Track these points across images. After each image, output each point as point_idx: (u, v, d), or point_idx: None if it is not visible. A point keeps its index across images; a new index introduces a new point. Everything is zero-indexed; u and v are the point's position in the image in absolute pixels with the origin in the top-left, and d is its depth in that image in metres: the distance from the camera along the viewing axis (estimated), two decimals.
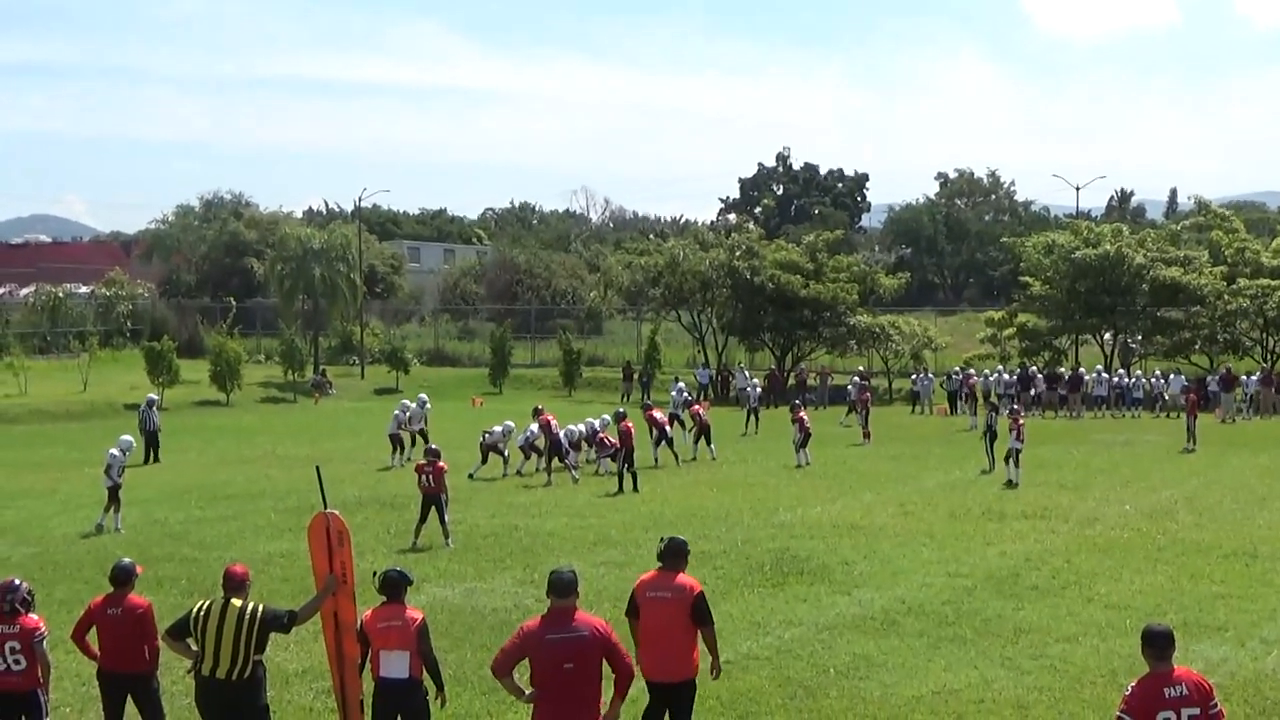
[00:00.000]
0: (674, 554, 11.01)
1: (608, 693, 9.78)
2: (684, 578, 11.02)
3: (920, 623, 16.91)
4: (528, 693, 9.73)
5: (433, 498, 23.42)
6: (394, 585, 10.90)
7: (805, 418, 35.38)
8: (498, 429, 33.84)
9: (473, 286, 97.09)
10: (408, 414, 36.90)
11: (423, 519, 23.46)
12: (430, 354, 78.00)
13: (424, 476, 23.57)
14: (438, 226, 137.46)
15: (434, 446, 25.18)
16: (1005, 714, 13.30)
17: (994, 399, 42.29)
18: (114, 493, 25.45)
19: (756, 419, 46.01)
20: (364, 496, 28.87)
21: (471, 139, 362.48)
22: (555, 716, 9.57)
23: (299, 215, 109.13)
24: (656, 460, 34.93)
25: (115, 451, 25.93)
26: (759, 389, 50.89)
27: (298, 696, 14.05)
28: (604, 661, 9.66)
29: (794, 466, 34.22)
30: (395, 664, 10.62)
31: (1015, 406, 39.08)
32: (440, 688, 10.82)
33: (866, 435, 41.16)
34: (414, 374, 67.91)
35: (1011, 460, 31.30)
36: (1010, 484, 30.39)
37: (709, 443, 36.51)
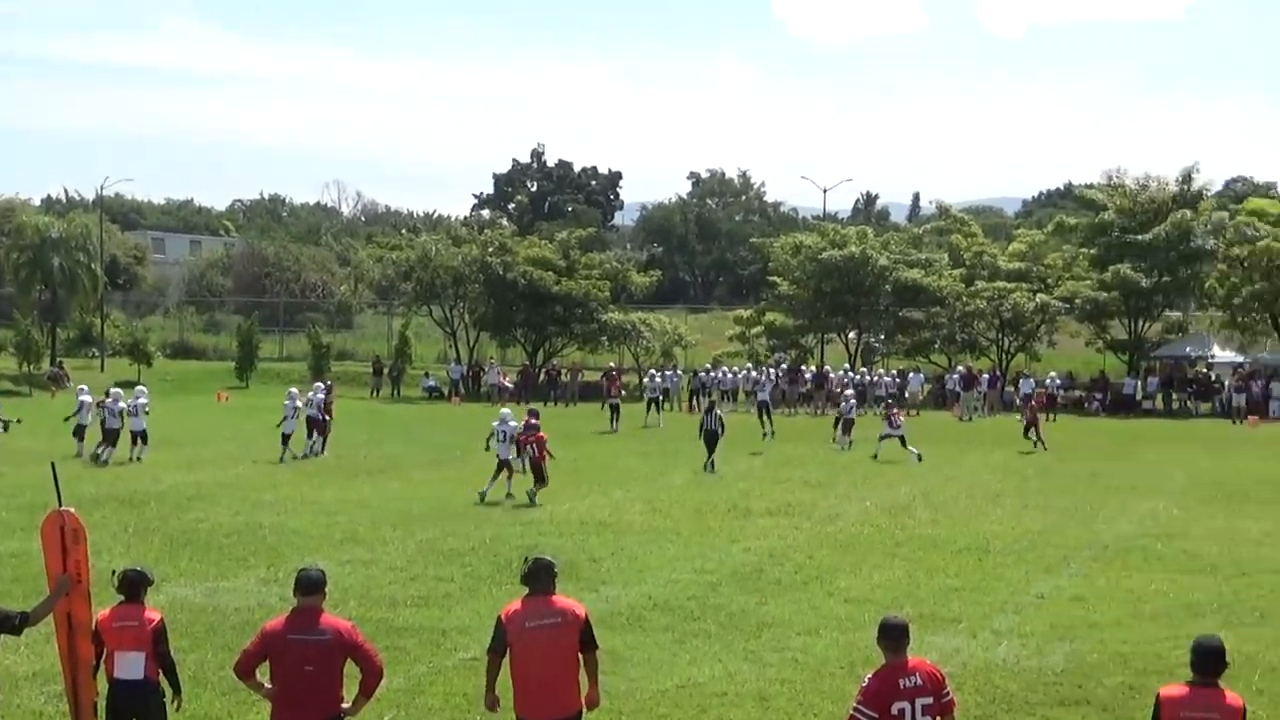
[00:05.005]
0: (543, 575, 9.97)
1: (350, 689, 9.65)
2: (564, 600, 10.06)
3: (666, 618, 17.09)
4: (267, 687, 9.56)
5: (536, 466, 27.35)
6: (132, 585, 10.59)
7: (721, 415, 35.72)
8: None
9: (219, 279, 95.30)
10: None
11: (537, 479, 27.45)
12: (174, 347, 76.44)
13: (530, 446, 27.46)
14: (184, 217, 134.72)
15: (535, 419, 28.71)
16: (747, 706, 13.51)
17: (714, 398, 43.18)
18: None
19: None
20: (101, 494, 27.95)
21: (220, 128, 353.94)
22: (293, 717, 9.40)
23: (37, 203, 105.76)
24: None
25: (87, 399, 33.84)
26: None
27: (28, 700, 13.57)
28: (347, 662, 9.53)
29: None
30: (130, 665, 10.32)
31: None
32: (177, 690, 10.55)
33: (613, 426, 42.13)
34: (157, 367, 66.29)
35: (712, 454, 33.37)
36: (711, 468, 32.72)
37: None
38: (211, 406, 54.13)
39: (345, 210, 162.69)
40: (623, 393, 48.38)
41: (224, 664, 13.94)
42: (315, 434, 35.73)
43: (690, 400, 56.20)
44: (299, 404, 35.38)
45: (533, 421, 28.47)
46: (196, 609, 17.46)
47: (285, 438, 34.69)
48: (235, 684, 10.76)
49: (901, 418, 37.60)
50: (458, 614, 17.31)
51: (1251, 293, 61.17)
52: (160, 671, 10.44)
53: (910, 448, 36.41)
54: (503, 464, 28.53)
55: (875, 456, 36.25)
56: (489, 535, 23.25)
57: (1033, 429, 39.85)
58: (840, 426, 39.57)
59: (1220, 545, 22.70)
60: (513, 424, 28.90)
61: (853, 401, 41.37)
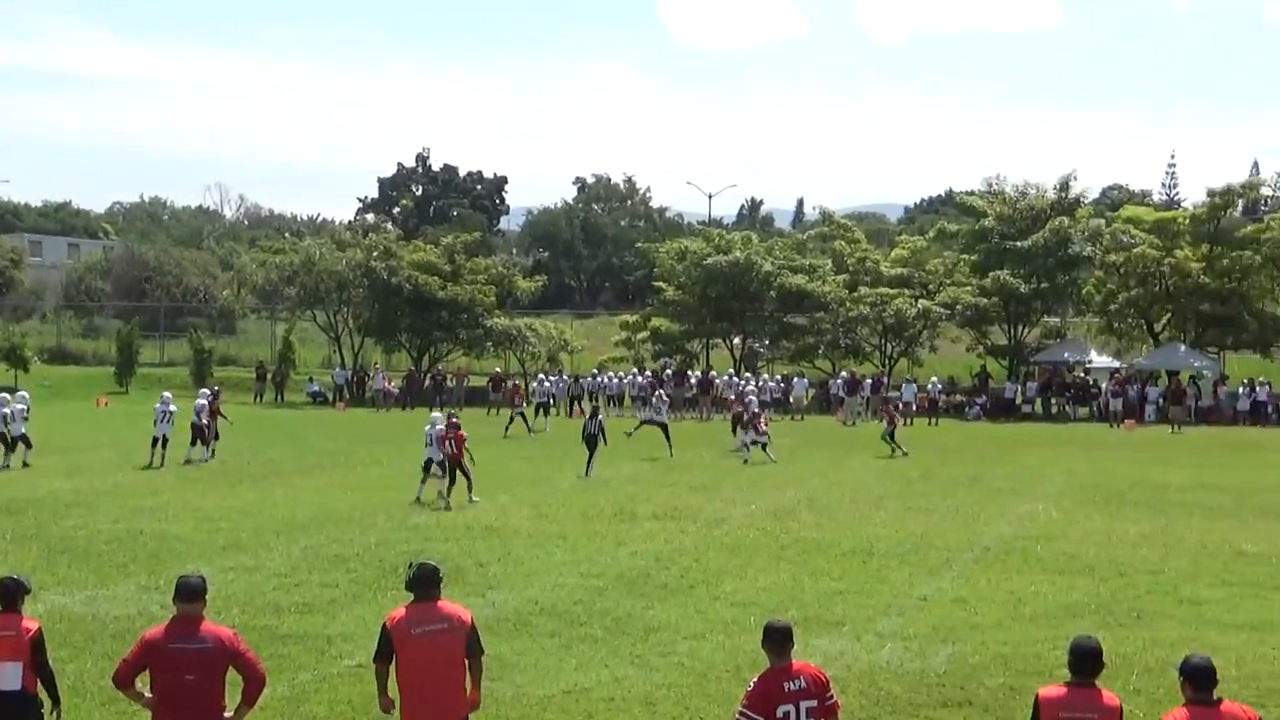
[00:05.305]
0: (428, 581, 9.88)
1: (233, 698, 9.56)
2: (450, 605, 10.06)
3: (552, 623, 17.07)
4: (147, 696, 9.43)
5: (455, 462, 27.74)
6: (9, 593, 10.37)
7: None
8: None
9: (99, 283, 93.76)
10: None
11: (451, 481, 27.76)
12: (52, 352, 75.15)
13: (448, 444, 27.81)
14: (62, 219, 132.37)
15: (455, 419, 29.67)
16: (634, 711, 13.53)
17: (598, 403, 43.56)
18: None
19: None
20: None
21: (100, 129, 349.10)
22: None
23: None
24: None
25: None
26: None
27: None
28: (229, 670, 9.43)
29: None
30: (7, 676, 10.12)
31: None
32: (56, 701, 10.37)
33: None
34: (34, 372, 65.18)
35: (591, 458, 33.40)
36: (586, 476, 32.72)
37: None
38: (91, 412, 53.36)
39: (227, 213, 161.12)
40: (525, 402, 48.72)
41: (104, 673, 13.73)
42: (198, 441, 35.21)
43: (571, 405, 56.33)
44: (172, 408, 34.90)
45: (454, 421, 29.43)
46: (75, 618, 17.19)
47: (156, 441, 34.25)
48: (115, 694, 10.62)
49: (766, 425, 38.11)
50: (342, 620, 17.19)
51: (1127, 299, 62.43)
52: (39, 682, 10.25)
53: (768, 452, 37.07)
54: (429, 464, 28.84)
55: (745, 461, 36.78)
56: (374, 541, 23.11)
57: (893, 434, 40.17)
58: (741, 428, 39.66)
59: (1098, 547, 23.07)
60: (440, 427, 29.13)
61: (753, 398, 41.66)
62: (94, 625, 16.82)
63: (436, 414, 31.15)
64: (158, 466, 33.60)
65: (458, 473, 28.12)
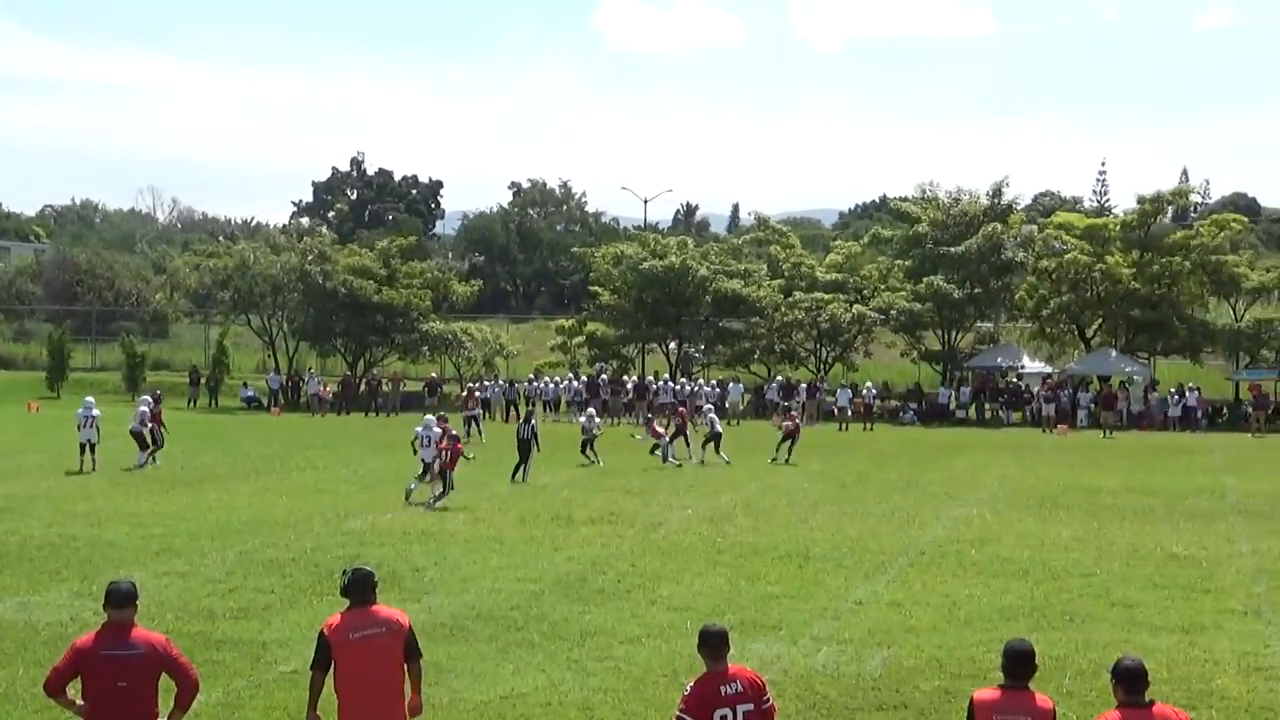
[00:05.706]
0: (364, 585, 9.81)
1: (166, 704, 9.48)
2: (387, 609, 9.99)
3: (489, 628, 17.04)
4: (79, 703, 9.35)
5: (443, 472, 27.95)
6: None
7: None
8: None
9: (29, 286, 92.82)
10: None
11: (446, 487, 28.05)
12: None
13: (442, 454, 28.09)
14: None
15: (449, 427, 29.90)
16: (571, 715, 13.52)
17: (532, 408, 43.82)
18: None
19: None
20: None
21: (31, 131, 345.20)
22: None
23: None
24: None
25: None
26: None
27: None
28: (162, 676, 9.35)
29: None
30: None
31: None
32: None
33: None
34: None
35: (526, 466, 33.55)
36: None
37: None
38: (22, 417, 52.84)
39: (161, 217, 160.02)
40: (479, 409, 48.61)
41: (36, 681, 13.59)
42: (139, 447, 34.87)
43: (508, 410, 56.26)
44: (95, 413, 34.55)
45: (452, 433, 29.57)
46: (7, 624, 17.02)
47: (84, 446, 33.93)
48: (47, 701, 10.54)
49: (661, 429, 39.56)
50: (277, 626, 17.09)
51: (1059, 304, 62.95)
52: None
53: (658, 452, 38.10)
54: (428, 468, 29.13)
55: (680, 465, 37.21)
56: (309, 546, 22.99)
57: (789, 440, 39.31)
58: (713, 442, 39.08)
59: (1031, 550, 23.25)
60: (436, 430, 29.29)
61: (713, 416, 41.51)
62: (26, 632, 16.65)
63: (430, 417, 31.19)
64: (89, 471, 33.37)
65: (440, 481, 28.30)
